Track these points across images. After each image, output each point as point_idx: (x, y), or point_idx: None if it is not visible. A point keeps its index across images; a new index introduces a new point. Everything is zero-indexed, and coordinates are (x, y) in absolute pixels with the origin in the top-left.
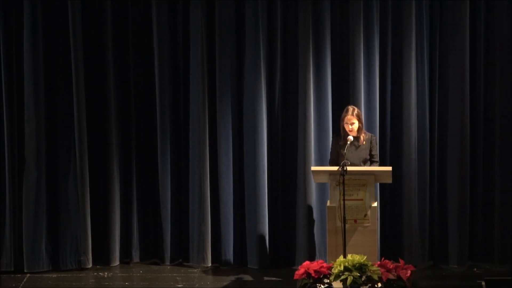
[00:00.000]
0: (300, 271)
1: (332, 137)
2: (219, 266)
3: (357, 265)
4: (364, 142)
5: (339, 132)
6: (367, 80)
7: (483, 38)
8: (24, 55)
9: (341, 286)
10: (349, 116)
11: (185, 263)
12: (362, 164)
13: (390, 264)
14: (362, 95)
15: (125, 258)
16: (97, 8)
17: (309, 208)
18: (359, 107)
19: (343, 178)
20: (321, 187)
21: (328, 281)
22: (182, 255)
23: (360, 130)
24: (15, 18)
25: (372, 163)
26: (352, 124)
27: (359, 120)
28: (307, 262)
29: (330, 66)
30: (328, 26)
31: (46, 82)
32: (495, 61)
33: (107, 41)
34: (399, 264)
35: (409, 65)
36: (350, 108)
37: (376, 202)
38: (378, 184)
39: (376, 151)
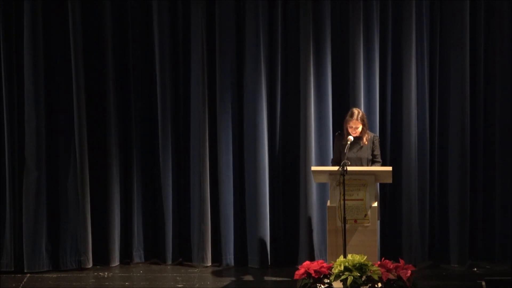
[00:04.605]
0: (300, 271)
1: (334, 136)
2: (219, 266)
3: (357, 265)
4: (366, 142)
5: (342, 131)
6: (367, 80)
7: (483, 38)
8: (24, 55)
9: (341, 286)
10: (354, 121)
11: (185, 263)
12: (364, 164)
13: (390, 264)
14: (362, 95)
15: (126, 258)
16: (97, 8)
17: (310, 208)
18: (359, 107)
19: (343, 178)
20: (322, 187)
21: (328, 281)
22: (183, 255)
23: (363, 132)
24: (15, 18)
25: (374, 163)
26: (356, 128)
27: (363, 123)
28: (307, 262)
29: (330, 66)
30: (329, 26)
31: (46, 82)
32: (495, 61)
33: (107, 41)
34: (399, 264)
35: (409, 65)
36: (355, 111)
37: (377, 202)
38: (379, 184)
39: (379, 151)
